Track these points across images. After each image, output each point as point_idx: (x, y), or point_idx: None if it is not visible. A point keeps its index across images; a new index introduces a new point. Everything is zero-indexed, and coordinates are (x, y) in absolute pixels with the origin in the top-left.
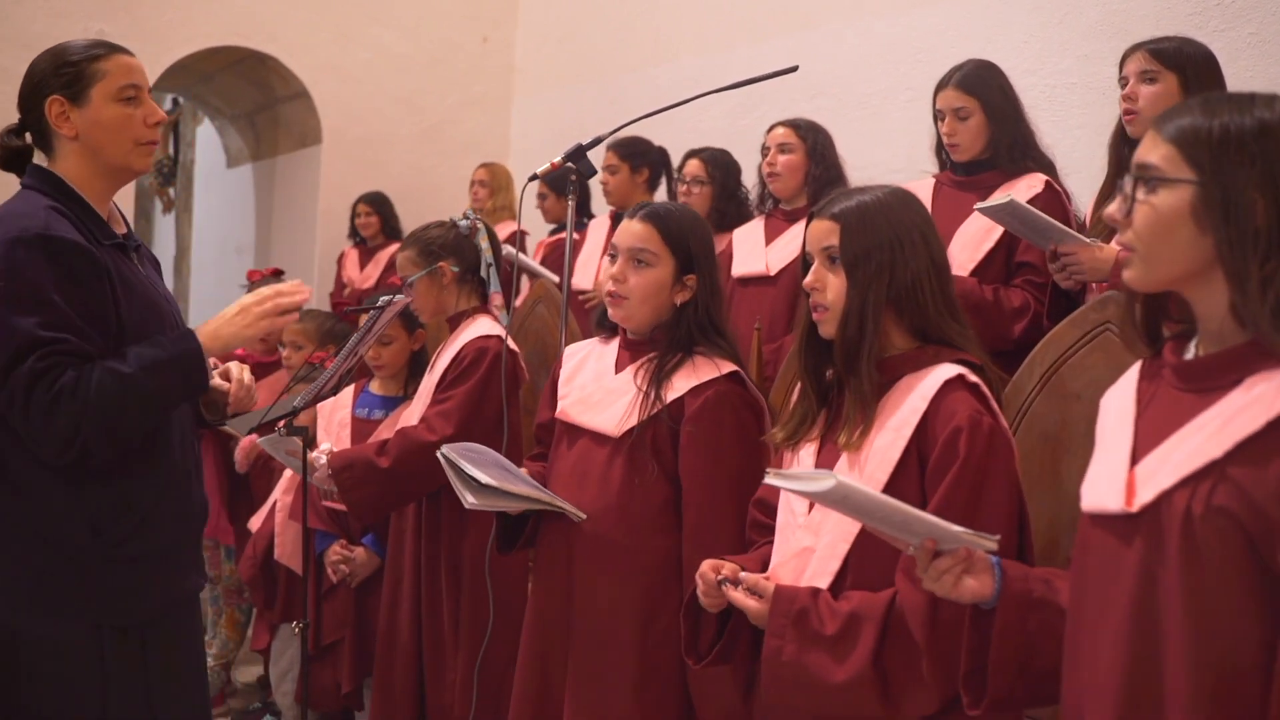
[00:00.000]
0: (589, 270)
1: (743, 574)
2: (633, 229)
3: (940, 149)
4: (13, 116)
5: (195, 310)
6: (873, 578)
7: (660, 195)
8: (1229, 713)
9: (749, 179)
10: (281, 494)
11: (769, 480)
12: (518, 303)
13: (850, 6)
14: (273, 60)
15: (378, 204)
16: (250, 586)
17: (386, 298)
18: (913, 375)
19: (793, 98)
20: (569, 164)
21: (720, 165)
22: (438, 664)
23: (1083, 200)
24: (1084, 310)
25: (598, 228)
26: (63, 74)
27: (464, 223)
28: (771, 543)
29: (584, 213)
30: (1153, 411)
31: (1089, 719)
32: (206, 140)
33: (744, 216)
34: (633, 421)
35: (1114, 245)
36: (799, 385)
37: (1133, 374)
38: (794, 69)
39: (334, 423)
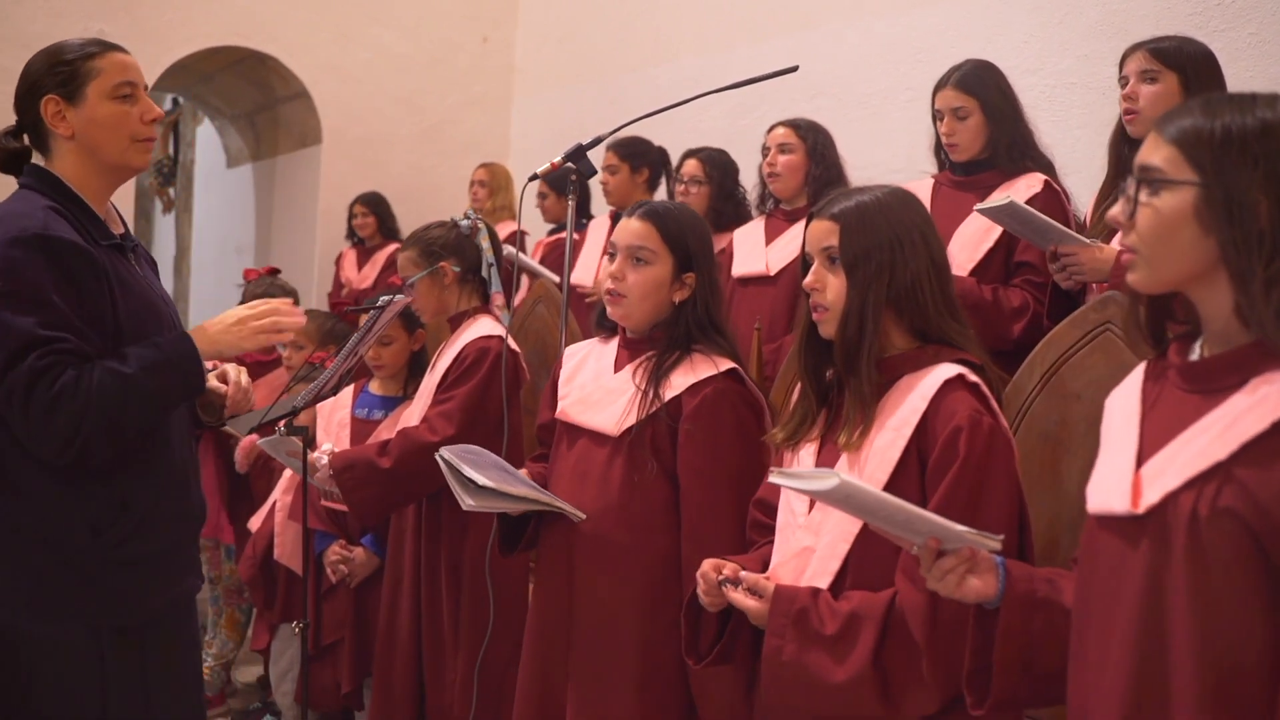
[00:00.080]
0: (589, 270)
1: (743, 573)
2: (631, 227)
3: (939, 149)
4: (12, 117)
5: (195, 310)
6: (873, 578)
7: (660, 195)
8: (1235, 713)
9: (749, 179)
10: (281, 494)
11: (772, 479)
12: (516, 302)
13: (850, 6)
14: (273, 60)
15: (374, 204)
16: (250, 586)
17: (387, 298)
18: (913, 375)
19: (793, 98)
20: (569, 164)
21: (718, 165)
22: (437, 664)
23: (1082, 200)
24: (1084, 310)
25: (598, 227)
26: (58, 73)
27: (465, 223)
28: (772, 543)
29: (583, 213)
30: (1158, 413)
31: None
32: (206, 140)
33: (742, 216)
34: (631, 420)
35: (1114, 246)
36: (799, 385)
37: (1137, 375)
38: (794, 69)
39: (333, 423)
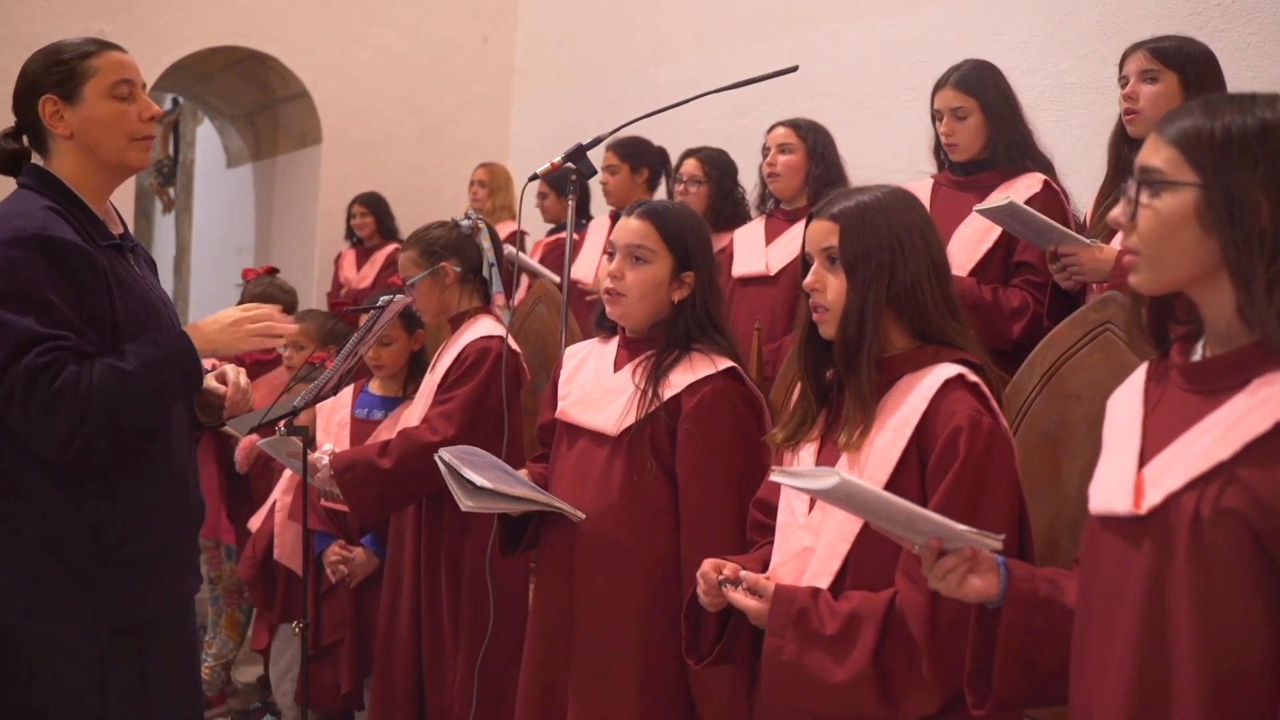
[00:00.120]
0: (590, 268)
1: (743, 573)
2: (630, 226)
3: (938, 149)
4: (13, 117)
5: (195, 310)
6: (873, 578)
7: (660, 195)
8: (1237, 712)
9: (749, 179)
10: (281, 494)
11: (774, 477)
12: (515, 301)
13: (850, 6)
14: (273, 60)
15: (372, 204)
16: (250, 586)
17: (387, 298)
18: (912, 375)
19: (793, 98)
20: (569, 164)
21: (717, 165)
22: (437, 664)
23: (1082, 200)
24: (1084, 310)
25: (598, 228)
26: (55, 73)
27: (466, 223)
28: (772, 543)
29: (583, 213)
30: (1160, 413)
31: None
32: (206, 140)
33: (740, 216)
34: (630, 420)
35: (1114, 246)
36: (799, 385)
37: (1140, 375)
38: (794, 69)
39: (333, 423)
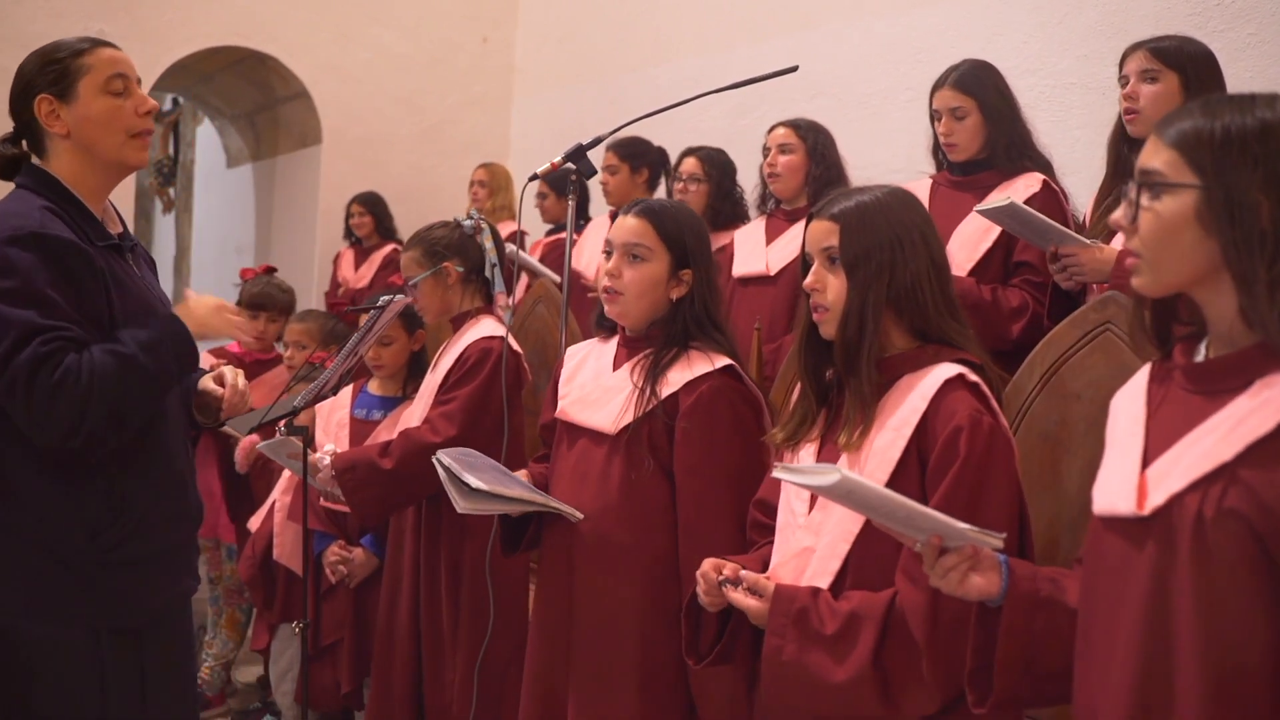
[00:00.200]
0: (589, 269)
1: (743, 573)
2: (627, 224)
3: (936, 149)
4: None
5: None
6: (873, 578)
7: (660, 195)
8: (1239, 713)
9: (749, 179)
10: (280, 494)
11: (776, 473)
12: (515, 300)
13: (850, 6)
14: (273, 60)
15: (371, 204)
16: (249, 586)
17: (387, 298)
18: (912, 375)
19: (793, 98)
20: (569, 164)
21: (717, 164)
22: (436, 664)
23: (1081, 200)
24: (1084, 310)
25: (597, 228)
26: (49, 72)
27: (468, 223)
28: (772, 543)
29: (581, 214)
30: (1163, 414)
31: None
32: (206, 140)
33: (739, 216)
34: (628, 418)
35: (1114, 246)
36: (798, 386)
37: (1143, 375)
38: (794, 69)
39: (332, 423)
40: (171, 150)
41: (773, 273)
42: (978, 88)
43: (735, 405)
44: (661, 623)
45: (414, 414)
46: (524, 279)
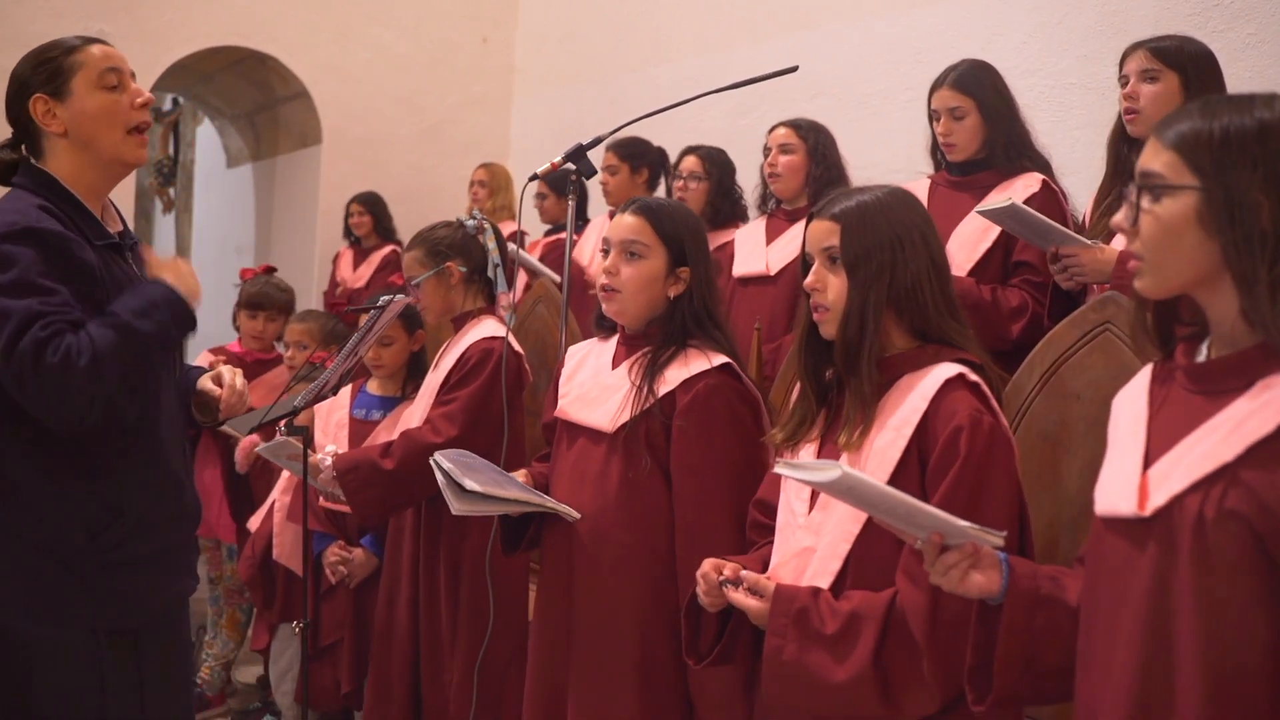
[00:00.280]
0: (589, 268)
1: (744, 573)
2: (624, 222)
3: (935, 149)
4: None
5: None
6: (873, 578)
7: (659, 195)
8: (1239, 713)
9: (749, 179)
10: (280, 494)
11: (777, 469)
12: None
13: (850, 6)
14: (273, 60)
15: (370, 204)
16: (249, 586)
17: (387, 298)
18: (913, 375)
19: (793, 98)
20: (569, 164)
21: (717, 163)
22: (435, 665)
23: (1081, 200)
24: (1084, 310)
25: (597, 228)
26: (42, 71)
27: (471, 223)
28: (771, 543)
29: (580, 215)
30: (1165, 414)
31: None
32: (206, 140)
33: (739, 214)
34: (626, 417)
35: (1114, 247)
36: (798, 386)
37: (1145, 376)
38: (794, 69)
39: (331, 423)
40: (171, 150)
41: (773, 273)
42: (976, 88)
43: (732, 403)
44: (661, 622)
45: (415, 414)
46: (523, 278)
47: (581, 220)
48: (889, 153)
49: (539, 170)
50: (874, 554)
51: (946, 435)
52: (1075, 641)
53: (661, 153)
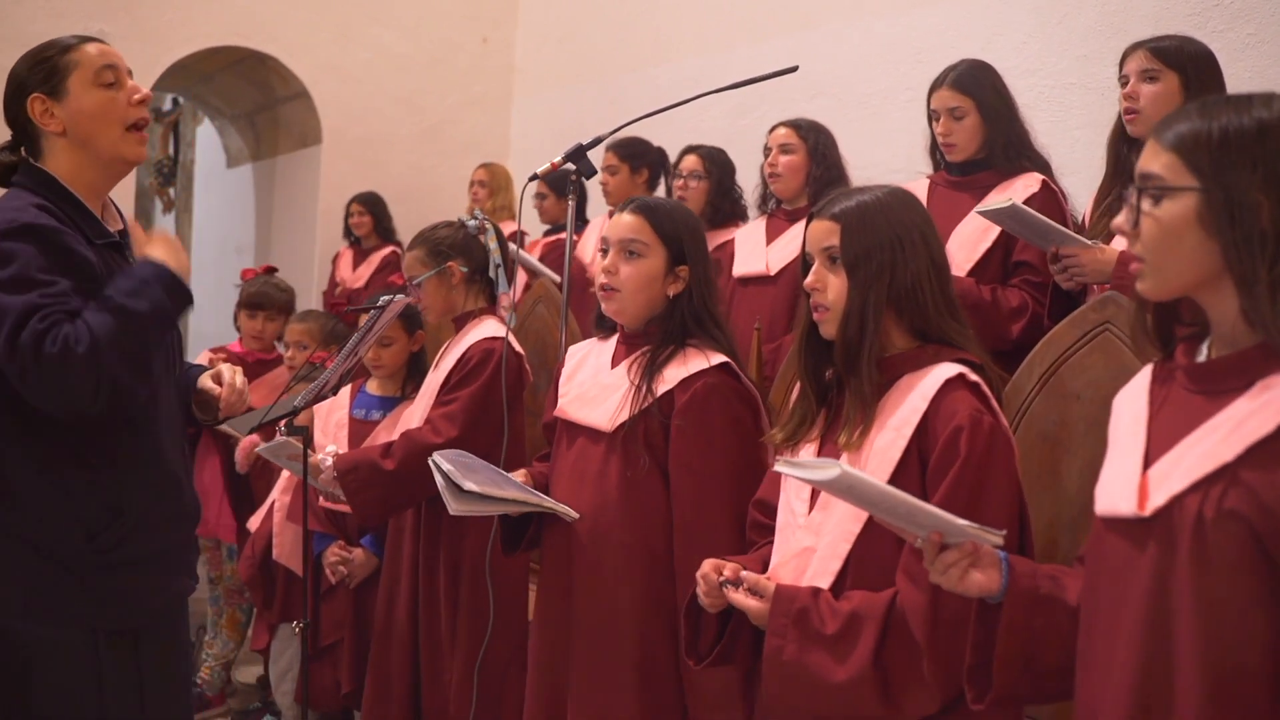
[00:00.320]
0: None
1: (744, 573)
2: (623, 220)
3: (935, 149)
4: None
5: (195, 310)
6: (874, 578)
7: (659, 195)
8: (1239, 713)
9: (749, 179)
10: (280, 494)
11: (777, 467)
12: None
13: (850, 6)
14: (273, 60)
15: (370, 204)
16: (249, 586)
17: (387, 298)
18: (913, 375)
19: (793, 98)
20: (569, 164)
21: (717, 162)
22: (435, 665)
23: (1080, 200)
24: (1084, 310)
25: (596, 229)
26: (39, 71)
27: (472, 223)
28: (771, 543)
29: (580, 216)
30: (1165, 414)
31: (1102, 719)
32: (206, 140)
33: (738, 214)
34: (624, 416)
35: (1115, 247)
36: (798, 386)
37: (1145, 376)
38: (794, 69)
39: (331, 423)
40: (171, 150)
41: (773, 273)
42: (975, 88)
43: (731, 403)
44: (660, 621)
45: (415, 414)
46: (523, 278)
47: (581, 220)
48: (889, 153)
49: (539, 170)
50: (874, 554)
51: (947, 435)
52: (1075, 641)
53: (661, 153)
